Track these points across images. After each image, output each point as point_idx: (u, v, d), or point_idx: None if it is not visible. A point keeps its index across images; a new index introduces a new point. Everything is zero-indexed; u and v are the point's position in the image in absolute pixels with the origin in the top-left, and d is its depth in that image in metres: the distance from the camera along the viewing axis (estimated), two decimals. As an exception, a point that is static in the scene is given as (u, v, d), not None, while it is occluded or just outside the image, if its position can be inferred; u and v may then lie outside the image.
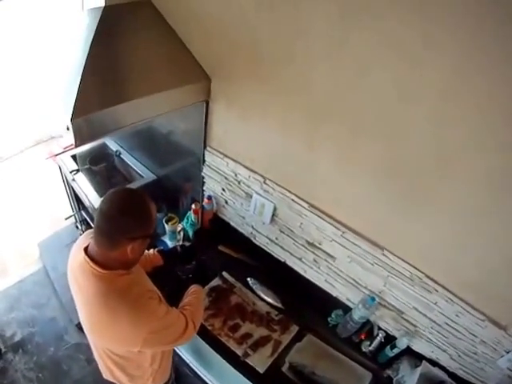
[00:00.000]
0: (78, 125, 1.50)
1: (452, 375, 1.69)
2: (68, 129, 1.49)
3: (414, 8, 1.14)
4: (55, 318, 3.23)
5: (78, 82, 1.51)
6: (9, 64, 4.37)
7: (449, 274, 1.53)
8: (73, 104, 1.46)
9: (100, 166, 3.03)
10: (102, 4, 1.79)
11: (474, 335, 1.54)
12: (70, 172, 2.95)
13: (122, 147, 3.26)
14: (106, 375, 1.69)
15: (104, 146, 3.34)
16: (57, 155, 3.21)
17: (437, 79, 1.19)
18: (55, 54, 1.93)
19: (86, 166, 3.00)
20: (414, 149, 1.37)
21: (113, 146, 3.29)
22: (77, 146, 1.60)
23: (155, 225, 1.39)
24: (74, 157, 3.14)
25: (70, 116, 1.45)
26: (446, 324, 1.60)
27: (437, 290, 1.56)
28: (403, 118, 1.34)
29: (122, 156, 3.20)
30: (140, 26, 1.89)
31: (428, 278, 1.58)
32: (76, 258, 1.39)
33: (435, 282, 1.57)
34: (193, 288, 1.76)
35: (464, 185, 1.30)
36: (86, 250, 1.35)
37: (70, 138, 1.55)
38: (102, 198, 1.31)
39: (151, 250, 1.93)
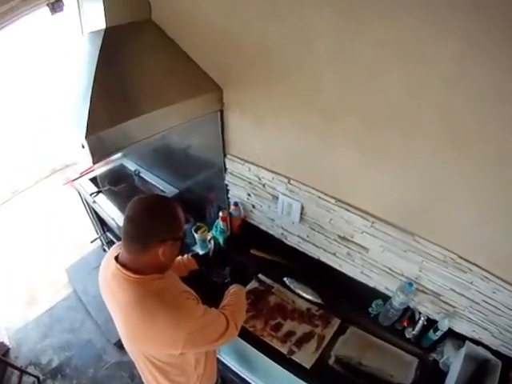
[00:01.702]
0: (93, 142, 1.59)
1: (495, 353, 1.74)
2: (83, 147, 1.59)
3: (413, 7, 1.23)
4: (91, 339, 3.29)
5: (89, 101, 1.61)
6: (18, 96, 4.54)
7: (482, 253, 1.60)
8: (85, 122, 1.56)
9: (120, 187, 3.11)
10: (103, 26, 1.89)
11: (512, 310, 1.62)
12: (90, 194, 3.04)
13: (140, 166, 3.36)
14: None
15: (122, 167, 3.45)
16: (74, 180, 3.32)
17: (441, 71, 1.28)
18: (62, 80, 2.05)
19: (106, 188, 3.08)
20: (429, 135, 1.45)
21: (131, 166, 3.41)
22: (94, 162, 1.69)
23: (184, 227, 1.46)
24: (92, 180, 3.25)
25: (84, 134, 1.55)
26: (484, 302, 1.66)
27: (471, 270, 1.63)
28: (414, 107, 1.43)
29: (141, 175, 3.31)
30: (144, 44, 1.99)
31: (461, 258, 1.65)
32: (108, 269, 1.45)
33: (469, 261, 1.64)
34: (233, 288, 1.81)
35: (487, 165, 1.37)
36: (116, 258, 1.41)
37: (85, 158, 1.64)
38: (128, 206, 1.37)
39: (186, 255, 2.02)
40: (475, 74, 1.22)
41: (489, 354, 1.69)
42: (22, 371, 3.01)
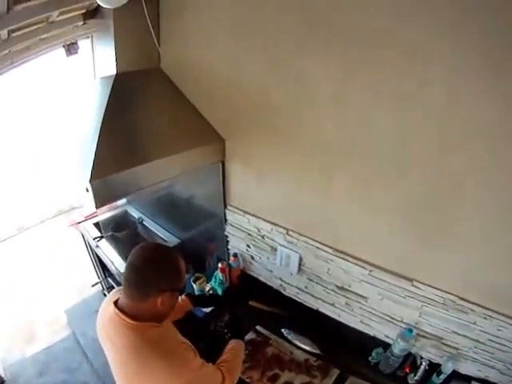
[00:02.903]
0: (97, 186, 1.61)
1: (504, 389, 1.68)
2: (87, 190, 1.60)
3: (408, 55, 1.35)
4: (87, 383, 3.17)
5: (95, 146, 1.66)
6: (28, 135, 4.73)
7: (481, 291, 1.57)
8: (91, 167, 1.59)
9: (123, 233, 3.11)
10: (114, 72, 1.99)
11: (519, 345, 1.57)
12: (94, 239, 3.02)
13: (144, 214, 3.37)
14: None
15: (126, 214, 3.48)
16: (79, 223, 3.33)
17: (434, 115, 1.37)
18: (72, 123, 2.12)
19: (109, 233, 3.08)
20: (426, 182, 1.51)
21: (135, 213, 3.43)
22: (97, 207, 1.69)
23: (184, 279, 1.44)
24: (96, 224, 3.24)
25: (89, 178, 1.57)
26: (490, 340, 1.61)
27: (473, 310, 1.60)
28: (409, 153, 1.50)
29: (144, 223, 3.31)
30: (152, 92, 2.08)
31: (462, 299, 1.62)
32: (106, 313, 1.42)
33: (469, 301, 1.61)
34: (232, 344, 1.75)
35: (481, 202, 1.40)
36: (115, 303, 1.39)
37: (89, 202, 1.66)
38: (131, 253, 1.36)
39: (179, 296, 1.94)
40: (467, 112, 1.30)
41: (497, 391, 1.63)
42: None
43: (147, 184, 1.87)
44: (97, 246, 3.00)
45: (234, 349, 1.72)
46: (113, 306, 1.38)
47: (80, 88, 2.45)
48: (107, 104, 1.83)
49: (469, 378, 1.76)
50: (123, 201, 3.52)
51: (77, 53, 2.32)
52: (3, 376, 3.15)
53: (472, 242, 1.51)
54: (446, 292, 1.66)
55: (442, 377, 1.75)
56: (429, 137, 1.42)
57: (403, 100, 1.42)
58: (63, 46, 2.25)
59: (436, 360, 1.86)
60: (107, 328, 1.40)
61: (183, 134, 2.07)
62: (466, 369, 1.78)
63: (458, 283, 1.63)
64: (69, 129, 2.14)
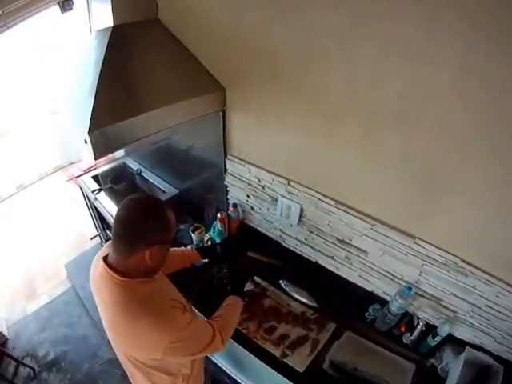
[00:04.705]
0: (96, 137, 1.55)
1: (498, 358, 1.64)
2: (86, 142, 1.55)
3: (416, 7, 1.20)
4: (87, 335, 3.31)
5: (93, 98, 1.58)
6: (28, 93, 4.64)
7: (483, 255, 1.52)
8: (89, 118, 1.52)
9: (121, 185, 3.09)
10: (110, 24, 1.87)
11: (516, 314, 1.53)
12: (92, 191, 3.03)
13: (142, 166, 3.35)
14: None
15: (124, 166, 3.44)
16: (77, 177, 3.33)
17: (445, 67, 1.24)
18: (69, 77, 2.03)
19: (108, 186, 3.07)
20: (430, 137, 1.40)
21: (133, 165, 3.40)
22: (96, 158, 1.64)
23: (173, 230, 1.39)
24: (94, 177, 3.24)
25: (87, 129, 1.51)
26: (487, 306, 1.58)
27: (473, 273, 1.55)
28: (417, 108, 1.38)
29: (143, 174, 3.29)
30: (150, 43, 1.96)
31: (463, 261, 1.57)
32: (96, 268, 1.41)
33: (471, 264, 1.56)
34: (229, 300, 1.76)
35: (483, 160, 1.32)
36: (105, 258, 1.37)
37: (87, 153, 1.61)
38: (119, 206, 1.33)
39: (189, 247, 1.94)
40: (482, 74, 1.18)
41: (490, 360, 1.59)
42: (19, 362, 3.05)
43: (147, 134, 1.81)
44: (95, 199, 3.00)
45: (231, 305, 1.74)
46: (102, 261, 1.35)
47: (76, 43, 2.33)
48: (105, 55, 1.73)
49: (463, 344, 1.74)
50: (121, 153, 3.47)
51: (71, 9, 2.20)
52: (6, 335, 3.32)
53: (478, 204, 1.43)
54: (448, 252, 1.61)
55: (438, 339, 1.72)
56: (439, 93, 1.30)
57: (414, 53, 1.29)
58: (58, 3, 2.13)
59: (432, 321, 1.84)
60: (98, 283, 1.39)
61: (183, 84, 1.97)
62: (462, 333, 1.77)
63: (461, 245, 1.57)
64: (66, 82, 2.05)
